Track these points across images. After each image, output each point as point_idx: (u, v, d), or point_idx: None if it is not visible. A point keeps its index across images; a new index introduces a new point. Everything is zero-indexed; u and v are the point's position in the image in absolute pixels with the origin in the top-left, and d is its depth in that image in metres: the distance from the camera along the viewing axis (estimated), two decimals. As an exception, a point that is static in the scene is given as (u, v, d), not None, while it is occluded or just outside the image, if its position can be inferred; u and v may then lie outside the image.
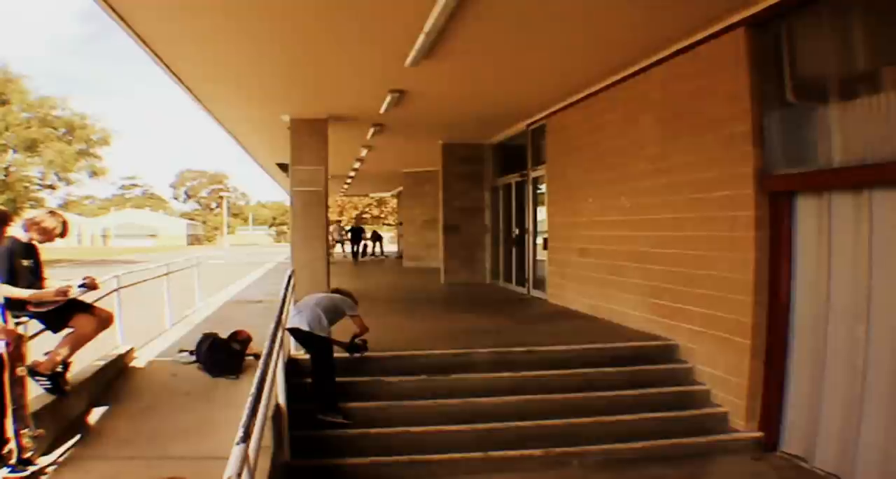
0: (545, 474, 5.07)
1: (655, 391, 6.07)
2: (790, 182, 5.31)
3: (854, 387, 4.68)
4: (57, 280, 5.16)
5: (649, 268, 7.16)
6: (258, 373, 3.53)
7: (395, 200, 32.32)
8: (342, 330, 6.09)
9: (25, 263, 4.88)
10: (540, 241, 11.14)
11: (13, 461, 4.06)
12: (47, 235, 5.06)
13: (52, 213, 5.23)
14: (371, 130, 11.49)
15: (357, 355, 6.22)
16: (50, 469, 4.16)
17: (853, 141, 4.75)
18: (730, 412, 5.75)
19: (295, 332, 5.75)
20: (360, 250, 27.06)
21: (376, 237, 31.40)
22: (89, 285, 5.15)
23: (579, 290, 9.19)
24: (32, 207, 35.72)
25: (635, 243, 7.47)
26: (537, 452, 5.24)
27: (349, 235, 28.29)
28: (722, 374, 5.89)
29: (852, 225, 4.76)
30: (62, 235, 5.19)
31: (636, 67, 7.29)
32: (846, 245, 4.82)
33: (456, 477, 5.03)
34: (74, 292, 5.03)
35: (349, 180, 22.32)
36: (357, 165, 17.01)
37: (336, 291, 6.39)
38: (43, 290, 4.91)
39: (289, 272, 7.33)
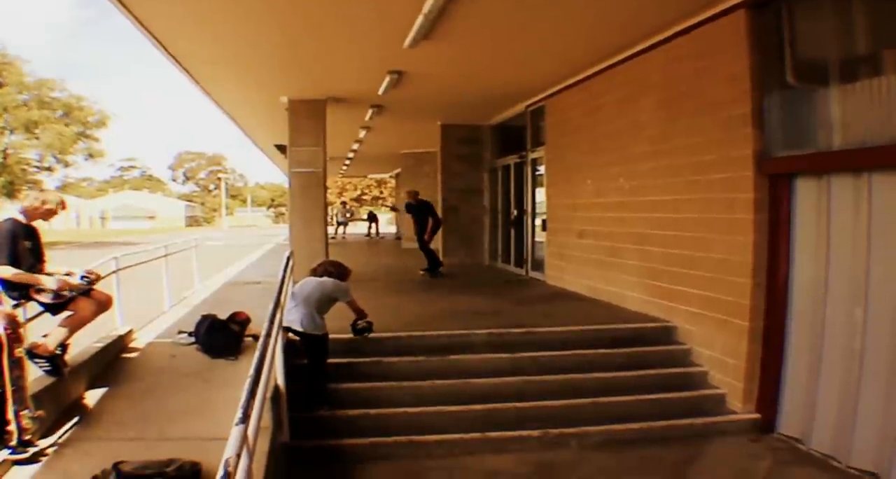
0: (543, 454, 5.10)
1: (653, 373, 6.10)
2: (790, 164, 5.29)
3: (851, 369, 4.70)
4: (57, 266, 5.20)
5: (648, 250, 7.16)
6: (257, 354, 3.53)
7: (394, 181, 32.24)
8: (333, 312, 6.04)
9: (27, 244, 4.89)
10: (539, 222, 11.15)
11: (14, 442, 4.08)
12: (51, 214, 5.09)
13: (43, 191, 5.28)
14: (369, 112, 11.43)
15: (361, 336, 6.15)
16: (50, 451, 4.17)
17: (853, 124, 4.73)
18: (727, 393, 5.78)
19: (291, 331, 5.71)
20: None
21: (372, 218, 31.47)
22: (92, 279, 5.23)
23: (578, 271, 9.19)
24: (30, 189, 35.55)
25: (634, 225, 7.46)
26: (535, 432, 5.28)
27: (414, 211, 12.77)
28: (720, 356, 5.91)
29: (852, 208, 4.75)
30: (62, 209, 5.22)
31: (636, 49, 7.22)
32: (845, 228, 4.82)
33: (454, 457, 5.06)
34: (77, 285, 5.08)
35: (348, 162, 22.25)
36: (356, 146, 16.95)
37: (326, 270, 6.04)
38: (44, 278, 4.90)
39: (287, 254, 7.32)
